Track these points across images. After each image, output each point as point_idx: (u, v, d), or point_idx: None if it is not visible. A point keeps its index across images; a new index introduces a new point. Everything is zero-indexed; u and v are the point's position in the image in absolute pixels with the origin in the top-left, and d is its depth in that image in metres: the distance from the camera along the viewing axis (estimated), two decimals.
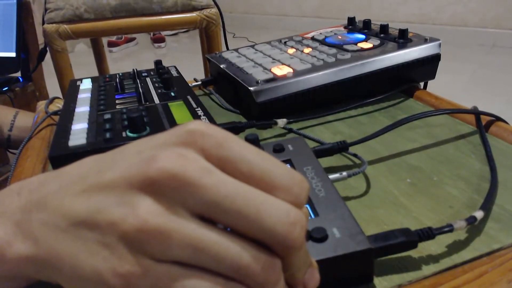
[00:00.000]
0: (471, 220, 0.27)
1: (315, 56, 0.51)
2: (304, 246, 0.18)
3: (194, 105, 0.43)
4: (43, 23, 0.96)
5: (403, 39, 0.52)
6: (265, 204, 0.17)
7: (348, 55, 0.50)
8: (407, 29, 0.53)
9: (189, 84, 0.51)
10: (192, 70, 0.87)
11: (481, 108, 0.44)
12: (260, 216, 0.16)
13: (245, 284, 0.17)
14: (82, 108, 0.43)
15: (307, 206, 0.26)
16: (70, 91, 0.49)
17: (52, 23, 0.95)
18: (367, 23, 0.60)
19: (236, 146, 0.18)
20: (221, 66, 0.54)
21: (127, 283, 0.16)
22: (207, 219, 0.17)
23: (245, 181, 0.17)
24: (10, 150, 0.90)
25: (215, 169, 0.17)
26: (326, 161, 0.38)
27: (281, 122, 0.44)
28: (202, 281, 0.16)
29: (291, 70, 0.49)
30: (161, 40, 2.96)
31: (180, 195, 0.16)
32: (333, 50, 0.53)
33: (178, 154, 0.17)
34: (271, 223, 0.16)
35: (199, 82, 0.58)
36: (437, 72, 0.53)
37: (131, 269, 0.16)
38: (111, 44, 2.82)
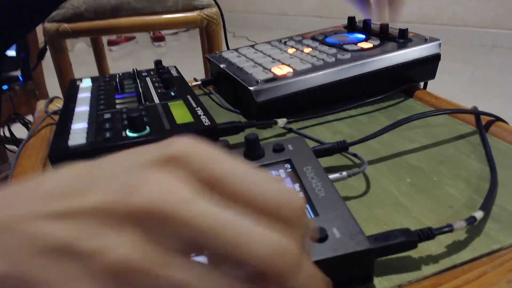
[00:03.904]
0: (471, 220, 0.27)
1: (315, 56, 0.51)
2: (300, 271, 0.17)
3: (194, 105, 0.43)
4: (44, 21, 0.96)
5: (403, 39, 0.52)
6: (251, 236, 0.16)
7: (348, 55, 0.50)
8: (407, 29, 0.53)
9: (189, 84, 0.51)
10: (192, 70, 0.87)
11: (481, 108, 0.44)
12: (246, 249, 0.16)
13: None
14: (82, 108, 0.43)
15: (308, 205, 0.26)
16: (70, 90, 0.49)
17: (52, 21, 0.95)
18: (367, 23, 0.60)
19: (223, 165, 0.17)
20: (221, 65, 0.54)
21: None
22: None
23: (234, 202, 0.17)
24: (8, 148, 0.90)
25: (199, 197, 0.16)
26: (326, 161, 0.38)
27: (281, 121, 0.44)
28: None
29: (291, 70, 0.49)
30: (161, 39, 2.96)
31: (162, 229, 0.16)
32: (333, 50, 0.53)
33: (161, 181, 0.16)
34: (257, 256, 0.16)
35: (199, 82, 0.58)
36: (437, 72, 0.53)
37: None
38: (111, 43, 2.82)
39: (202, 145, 0.17)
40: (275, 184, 0.17)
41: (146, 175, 0.16)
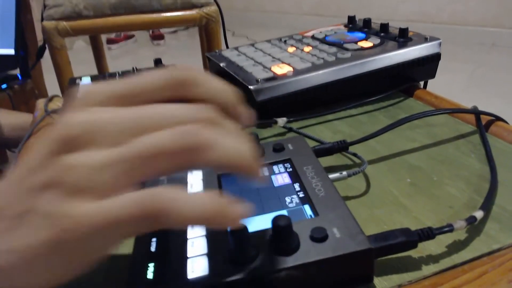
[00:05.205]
0: (471, 220, 0.27)
1: (315, 55, 0.51)
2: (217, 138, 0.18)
3: None
4: (42, 20, 0.96)
5: (403, 38, 0.52)
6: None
7: (348, 54, 0.50)
8: (407, 28, 0.53)
9: None
10: None
11: (481, 107, 0.44)
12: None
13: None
14: None
15: (308, 205, 0.26)
16: (70, 89, 0.49)
17: (51, 20, 0.95)
18: (367, 22, 0.60)
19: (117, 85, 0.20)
20: (221, 64, 0.54)
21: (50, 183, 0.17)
22: None
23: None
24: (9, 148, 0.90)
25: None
26: (326, 161, 0.38)
27: (281, 121, 0.44)
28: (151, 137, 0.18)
29: (291, 69, 0.48)
30: (160, 37, 2.95)
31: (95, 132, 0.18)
32: (333, 49, 0.53)
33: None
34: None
35: None
36: (437, 71, 0.53)
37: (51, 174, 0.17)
38: (110, 41, 2.82)
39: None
40: (161, 72, 0.20)
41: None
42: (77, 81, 0.52)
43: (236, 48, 0.60)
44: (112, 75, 0.53)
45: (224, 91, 0.21)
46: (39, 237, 0.17)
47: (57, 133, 0.18)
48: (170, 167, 0.18)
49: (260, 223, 0.25)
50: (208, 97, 0.20)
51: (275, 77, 0.47)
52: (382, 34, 0.56)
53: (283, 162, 0.31)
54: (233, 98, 0.21)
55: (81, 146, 0.18)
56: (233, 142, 0.19)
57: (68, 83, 0.52)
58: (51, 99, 0.57)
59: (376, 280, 0.25)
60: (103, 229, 0.17)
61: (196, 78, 0.20)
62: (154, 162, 0.18)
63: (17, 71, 1.11)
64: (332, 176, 0.32)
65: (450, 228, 0.26)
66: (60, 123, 0.18)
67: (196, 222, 0.18)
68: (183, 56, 2.54)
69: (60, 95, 0.61)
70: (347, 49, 0.52)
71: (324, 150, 0.36)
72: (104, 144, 0.18)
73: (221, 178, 0.29)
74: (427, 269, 0.26)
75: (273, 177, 0.30)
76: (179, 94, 0.20)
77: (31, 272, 0.18)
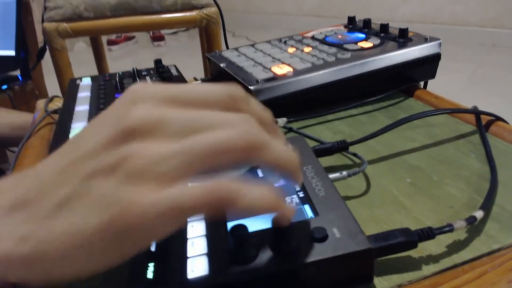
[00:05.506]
0: (471, 220, 0.27)
1: (315, 55, 0.51)
2: (268, 146, 0.20)
3: None
4: (43, 21, 0.96)
5: (403, 38, 0.52)
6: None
7: (348, 54, 0.50)
8: (407, 29, 0.53)
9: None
10: (192, 69, 0.87)
11: (481, 107, 0.44)
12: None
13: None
14: (82, 107, 0.43)
15: (308, 205, 0.26)
16: (70, 90, 0.49)
17: (51, 21, 0.95)
18: (367, 22, 0.60)
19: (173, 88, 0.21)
20: (221, 65, 0.54)
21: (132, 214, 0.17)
22: None
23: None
24: (9, 148, 0.90)
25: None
26: (326, 161, 0.38)
27: (281, 121, 0.44)
28: (218, 132, 0.19)
29: (291, 69, 0.48)
30: (161, 38, 2.95)
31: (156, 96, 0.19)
32: (333, 49, 0.53)
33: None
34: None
35: (199, 81, 0.58)
36: (437, 72, 0.53)
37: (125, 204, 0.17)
38: (110, 43, 2.82)
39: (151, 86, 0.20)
40: (217, 86, 0.21)
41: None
42: (77, 81, 0.52)
43: (236, 49, 0.60)
44: (113, 76, 0.53)
45: (266, 112, 0.23)
46: (95, 221, 0.17)
47: (120, 123, 0.18)
48: (229, 162, 0.19)
49: (260, 223, 0.25)
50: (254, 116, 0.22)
51: (275, 78, 0.47)
52: (382, 34, 0.56)
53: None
54: (272, 119, 0.24)
55: (143, 136, 0.18)
56: (285, 148, 0.21)
57: (68, 84, 0.52)
58: (51, 99, 0.57)
59: (376, 280, 0.25)
60: (166, 215, 0.17)
61: (247, 97, 0.22)
62: (215, 157, 0.18)
63: (17, 72, 1.11)
64: (332, 176, 0.32)
65: (450, 228, 0.26)
66: (122, 111, 0.19)
67: (259, 211, 0.19)
68: (184, 57, 2.54)
69: (61, 95, 0.61)
70: (347, 50, 0.52)
71: (324, 150, 0.36)
72: (166, 137, 0.18)
73: None
74: (427, 269, 0.26)
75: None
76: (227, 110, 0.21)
77: (75, 258, 0.17)
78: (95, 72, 1.45)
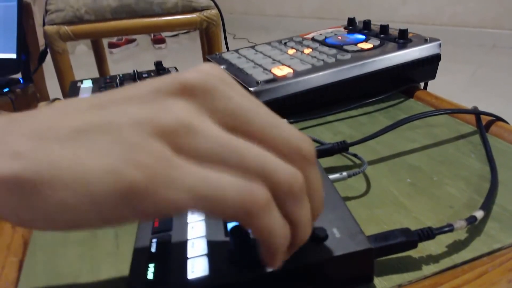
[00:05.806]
0: (471, 220, 0.27)
1: (315, 57, 0.52)
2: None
3: None
4: (44, 24, 0.96)
5: (403, 39, 0.52)
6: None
7: (348, 56, 0.50)
8: (407, 30, 0.53)
9: None
10: None
11: (481, 108, 0.44)
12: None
13: (268, 185, 0.17)
14: None
15: None
16: (71, 92, 0.50)
17: (52, 24, 0.95)
18: (367, 24, 0.60)
19: (235, 103, 0.18)
20: (222, 67, 0.54)
21: (148, 174, 0.15)
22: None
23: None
24: None
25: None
26: (326, 161, 0.38)
27: None
28: (223, 175, 0.16)
29: (291, 71, 0.49)
30: (162, 41, 2.96)
31: (209, 100, 0.17)
32: (333, 51, 0.53)
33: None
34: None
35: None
36: (437, 72, 0.53)
37: (154, 160, 0.15)
38: (111, 46, 2.83)
39: (219, 78, 0.19)
40: (291, 129, 0.19)
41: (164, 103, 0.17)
42: (78, 84, 0.53)
43: (237, 51, 0.60)
44: (114, 78, 0.53)
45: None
46: (109, 167, 0.15)
47: (154, 121, 0.16)
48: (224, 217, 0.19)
49: None
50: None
51: (275, 79, 0.47)
52: (382, 35, 0.56)
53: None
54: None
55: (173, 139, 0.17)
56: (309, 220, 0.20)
57: (69, 86, 0.52)
58: (52, 101, 0.57)
59: (376, 280, 0.25)
60: (198, 196, 0.16)
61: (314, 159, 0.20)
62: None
63: (19, 75, 1.11)
64: (332, 176, 0.32)
65: (450, 228, 0.26)
66: (162, 103, 0.17)
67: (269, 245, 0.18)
68: (185, 59, 2.55)
69: (62, 98, 0.61)
70: (347, 51, 0.52)
71: (324, 151, 0.36)
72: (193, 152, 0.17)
73: None
74: (427, 269, 0.26)
75: None
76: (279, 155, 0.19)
77: (65, 194, 0.15)
78: (96, 75, 1.46)
